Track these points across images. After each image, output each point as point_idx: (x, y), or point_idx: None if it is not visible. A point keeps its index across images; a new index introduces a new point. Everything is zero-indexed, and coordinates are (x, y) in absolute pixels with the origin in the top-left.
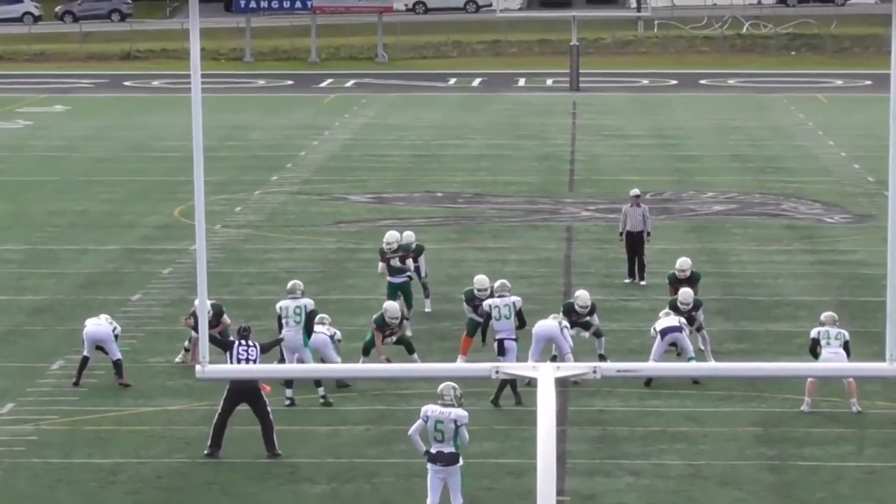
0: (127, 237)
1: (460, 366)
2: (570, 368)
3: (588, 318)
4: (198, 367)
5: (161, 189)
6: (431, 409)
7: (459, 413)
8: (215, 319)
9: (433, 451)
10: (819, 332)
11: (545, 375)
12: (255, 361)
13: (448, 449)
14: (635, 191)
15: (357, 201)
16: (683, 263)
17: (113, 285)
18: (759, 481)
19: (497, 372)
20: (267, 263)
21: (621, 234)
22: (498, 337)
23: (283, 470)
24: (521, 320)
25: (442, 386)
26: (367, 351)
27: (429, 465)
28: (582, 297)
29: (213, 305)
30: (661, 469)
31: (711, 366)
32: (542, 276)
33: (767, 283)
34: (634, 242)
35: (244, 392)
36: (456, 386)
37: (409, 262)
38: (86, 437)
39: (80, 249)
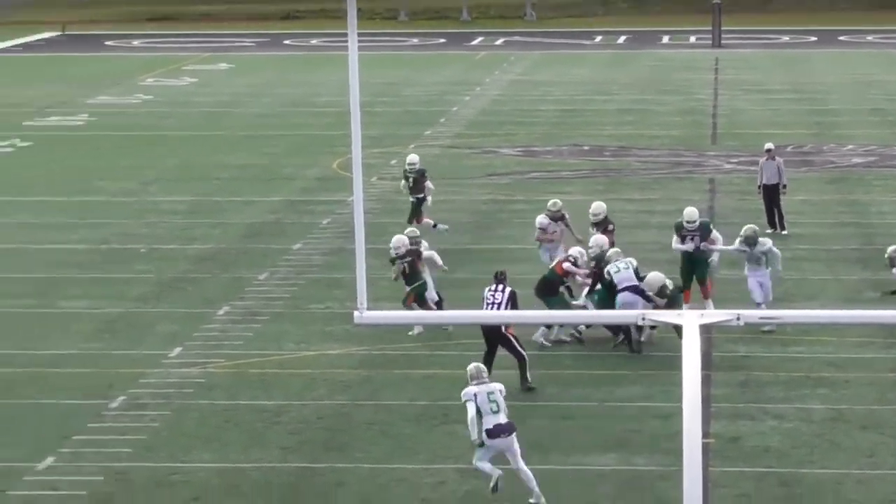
0: (288, 189)
1: (608, 312)
2: (714, 315)
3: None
4: (356, 313)
5: (320, 143)
6: (474, 389)
7: (498, 384)
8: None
9: (491, 426)
10: None
11: (690, 322)
12: (500, 305)
13: (505, 419)
14: (769, 145)
15: (507, 154)
16: (691, 214)
17: (275, 235)
18: None
19: (643, 318)
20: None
21: (759, 186)
22: (621, 287)
23: (437, 412)
24: (638, 277)
25: (472, 367)
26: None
27: (490, 442)
28: (689, 213)
29: (410, 251)
30: (804, 413)
31: (850, 314)
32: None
33: None
34: (771, 194)
35: (491, 333)
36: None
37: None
38: (250, 379)
39: (244, 201)
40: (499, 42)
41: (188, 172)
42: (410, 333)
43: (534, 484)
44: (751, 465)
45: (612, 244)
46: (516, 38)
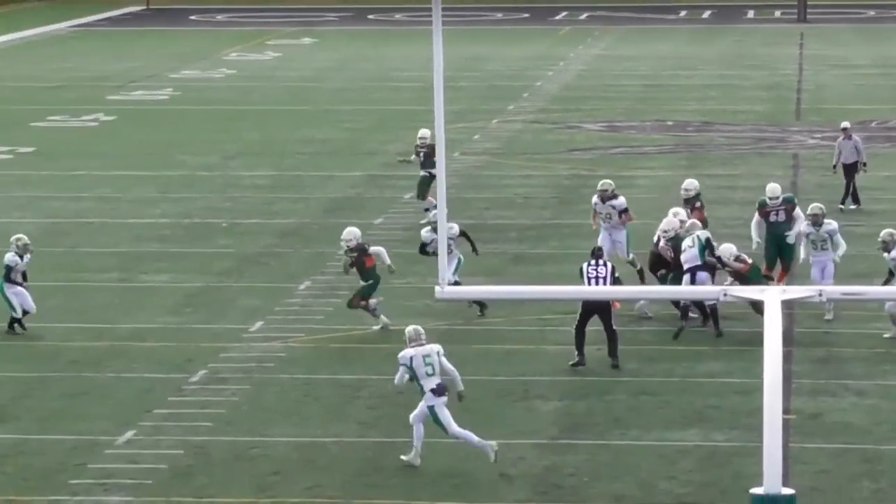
0: (369, 164)
1: (690, 288)
2: (797, 291)
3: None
4: (437, 287)
5: (402, 118)
6: (411, 353)
7: (436, 346)
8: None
9: (434, 385)
10: None
11: (772, 298)
12: (605, 279)
13: (440, 381)
14: (845, 123)
15: (590, 129)
16: (773, 190)
17: (356, 210)
18: None
19: (725, 294)
20: (503, 189)
21: (834, 166)
22: (687, 267)
23: (517, 387)
24: (711, 249)
25: (410, 330)
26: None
27: (436, 400)
28: (771, 188)
29: (358, 245)
30: (885, 389)
31: None
32: None
33: None
34: (850, 173)
35: (597, 307)
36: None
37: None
38: (330, 354)
39: (326, 175)
40: (583, 17)
41: (270, 147)
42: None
43: (419, 444)
44: (831, 441)
45: (704, 221)
46: (600, 12)
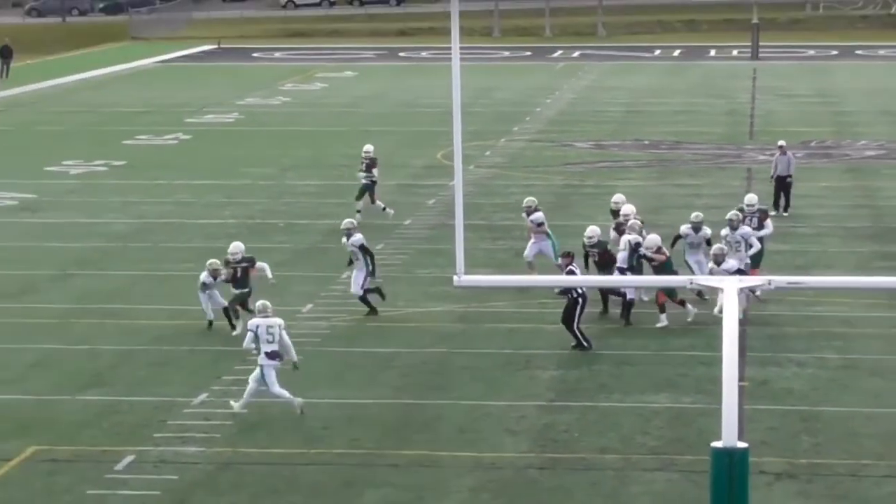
0: (400, 175)
1: (659, 277)
2: (751, 281)
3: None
4: (455, 277)
5: (427, 137)
6: (258, 321)
7: (279, 320)
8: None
9: (269, 350)
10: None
11: (730, 286)
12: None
13: (277, 348)
14: (781, 142)
15: (580, 147)
16: (751, 199)
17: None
18: None
19: (691, 283)
20: (509, 196)
21: (772, 177)
22: (617, 266)
23: (520, 359)
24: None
25: (259, 303)
26: None
27: (267, 362)
28: (749, 198)
29: (245, 258)
30: (821, 361)
31: (862, 280)
32: (727, 206)
33: None
34: (783, 183)
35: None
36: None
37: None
38: (367, 331)
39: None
40: (575, 55)
41: (319, 161)
42: (235, 333)
43: (248, 397)
44: (777, 403)
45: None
46: (589, 51)
